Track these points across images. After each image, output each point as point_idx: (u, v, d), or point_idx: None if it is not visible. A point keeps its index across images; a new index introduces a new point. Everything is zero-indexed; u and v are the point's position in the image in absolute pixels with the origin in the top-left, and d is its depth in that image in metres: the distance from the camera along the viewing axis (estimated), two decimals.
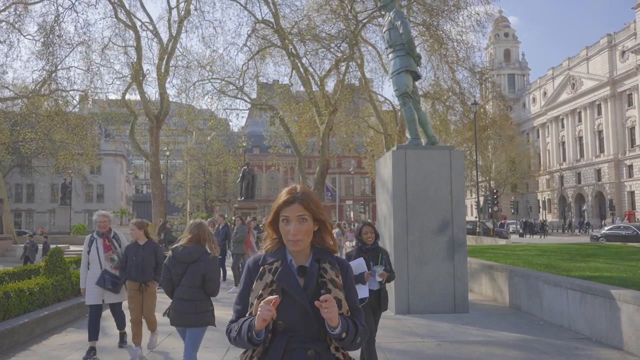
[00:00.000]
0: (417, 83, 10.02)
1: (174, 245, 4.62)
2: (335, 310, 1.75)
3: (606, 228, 31.40)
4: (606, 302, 6.35)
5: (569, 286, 7.28)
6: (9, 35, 24.51)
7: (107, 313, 6.90)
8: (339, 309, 1.82)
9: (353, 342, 1.87)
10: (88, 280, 5.98)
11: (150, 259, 5.91)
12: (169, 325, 7.80)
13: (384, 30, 9.55)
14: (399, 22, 8.87)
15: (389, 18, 9.20)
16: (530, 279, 8.49)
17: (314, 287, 1.87)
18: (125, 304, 6.20)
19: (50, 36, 23.73)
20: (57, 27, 23.89)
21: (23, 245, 20.65)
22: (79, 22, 33.92)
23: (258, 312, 1.75)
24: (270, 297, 1.76)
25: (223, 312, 9.19)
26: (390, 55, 9.22)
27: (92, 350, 5.92)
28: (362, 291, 4.69)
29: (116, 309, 6.31)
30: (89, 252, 6.04)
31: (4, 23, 24.46)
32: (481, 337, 6.88)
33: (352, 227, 29.37)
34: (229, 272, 12.95)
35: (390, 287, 8.70)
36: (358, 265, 4.71)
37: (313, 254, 1.95)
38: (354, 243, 21.82)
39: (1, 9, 24.38)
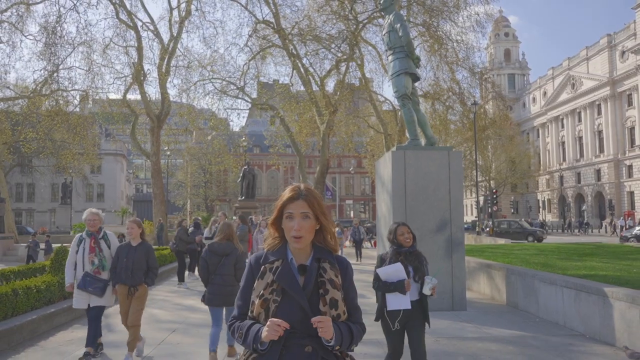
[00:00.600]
0: (416, 84, 10.18)
1: (211, 242, 5.82)
2: (329, 328, 1.82)
3: (637, 228, 30.18)
4: (599, 300, 6.51)
5: (564, 284, 7.44)
6: (11, 36, 24.72)
7: (109, 311, 7.01)
8: (335, 309, 1.90)
9: (348, 348, 1.96)
10: (75, 283, 5.70)
11: (141, 262, 5.63)
12: (174, 322, 7.98)
13: (383, 33, 9.72)
14: (399, 25, 9.03)
15: (389, 21, 9.36)
16: (527, 278, 8.65)
17: (312, 286, 1.91)
18: (109, 311, 5.93)
19: (52, 36, 23.91)
20: (59, 28, 24.08)
21: (25, 244, 20.82)
22: (80, 22, 33.96)
23: (266, 330, 1.81)
24: (281, 320, 1.82)
25: None
26: (390, 58, 9.38)
27: (99, 347, 6.03)
28: (402, 301, 4.14)
29: (92, 312, 5.70)
30: (76, 252, 5.71)
31: (6, 23, 24.64)
32: (478, 333, 7.04)
33: (351, 225, 29.32)
34: None
35: None
36: (395, 270, 4.11)
37: (314, 252, 1.99)
38: (352, 243, 21.23)
39: (3, 9, 24.56)
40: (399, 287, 4.08)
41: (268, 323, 1.82)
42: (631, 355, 5.47)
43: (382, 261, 4.35)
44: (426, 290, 4.20)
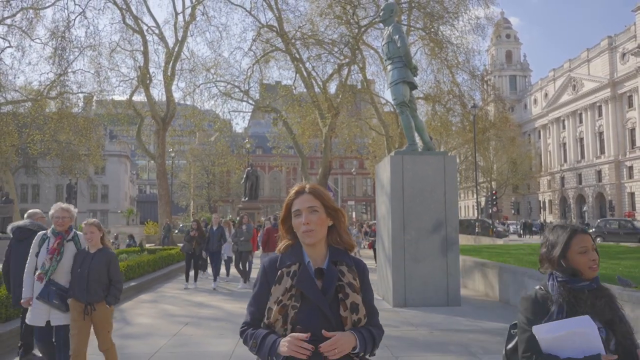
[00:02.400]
0: (417, 86, 10.73)
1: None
2: (344, 348, 1.75)
3: None
4: None
5: None
6: (20, 41, 25.34)
7: (125, 305, 7.45)
8: (356, 313, 1.83)
9: (371, 353, 1.90)
10: (35, 292, 4.47)
11: (100, 273, 4.43)
12: (185, 316, 8.51)
13: (382, 43, 10.24)
14: (397, 37, 9.55)
15: (388, 32, 9.88)
16: (517, 275, 9.15)
17: (333, 291, 1.84)
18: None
19: (61, 41, 24.54)
20: (67, 33, 24.71)
21: None
22: (89, 28, 34.84)
23: (286, 344, 1.72)
24: (303, 335, 1.73)
25: (235, 305, 9.89)
26: (389, 67, 9.89)
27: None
28: None
29: (61, 335, 4.49)
30: (37, 255, 4.52)
31: (15, 28, 25.27)
32: (470, 326, 7.53)
33: (362, 227, 29.34)
34: (232, 270, 13.79)
35: (389, 282, 9.37)
36: (580, 334, 1.87)
37: (329, 254, 1.93)
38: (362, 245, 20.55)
39: (13, 13, 25.17)
40: None
41: (288, 338, 1.73)
42: None
43: (538, 306, 2.07)
44: None
